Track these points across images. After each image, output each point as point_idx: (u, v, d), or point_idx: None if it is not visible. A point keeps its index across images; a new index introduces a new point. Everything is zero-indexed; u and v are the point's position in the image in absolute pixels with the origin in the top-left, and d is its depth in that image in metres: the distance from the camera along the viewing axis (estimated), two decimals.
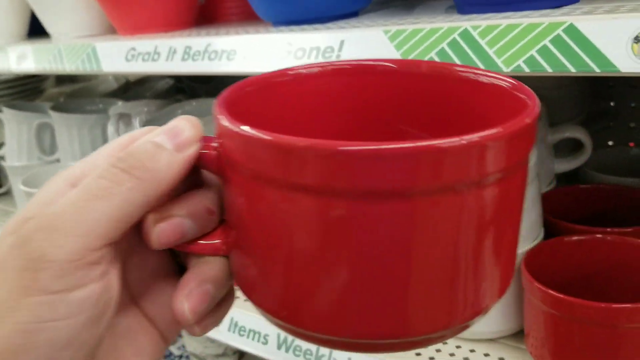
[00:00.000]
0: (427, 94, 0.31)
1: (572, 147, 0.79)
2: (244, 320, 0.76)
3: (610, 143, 0.97)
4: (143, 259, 0.29)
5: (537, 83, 0.83)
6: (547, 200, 0.69)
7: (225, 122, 0.25)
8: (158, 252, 0.29)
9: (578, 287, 0.61)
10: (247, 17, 0.85)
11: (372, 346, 0.25)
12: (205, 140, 0.27)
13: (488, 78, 0.29)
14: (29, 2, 0.89)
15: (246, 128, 0.24)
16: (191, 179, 0.28)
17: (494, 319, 0.63)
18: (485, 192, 0.23)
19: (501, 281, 0.26)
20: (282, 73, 0.31)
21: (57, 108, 1.10)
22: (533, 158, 0.60)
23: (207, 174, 0.29)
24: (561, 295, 0.52)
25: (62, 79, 1.58)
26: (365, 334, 0.24)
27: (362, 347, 0.26)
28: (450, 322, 0.25)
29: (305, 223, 0.23)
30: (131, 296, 0.29)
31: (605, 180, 0.78)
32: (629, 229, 0.62)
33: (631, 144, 0.95)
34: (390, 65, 0.31)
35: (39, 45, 0.85)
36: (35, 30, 0.97)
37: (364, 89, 0.32)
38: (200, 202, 0.27)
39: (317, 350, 0.69)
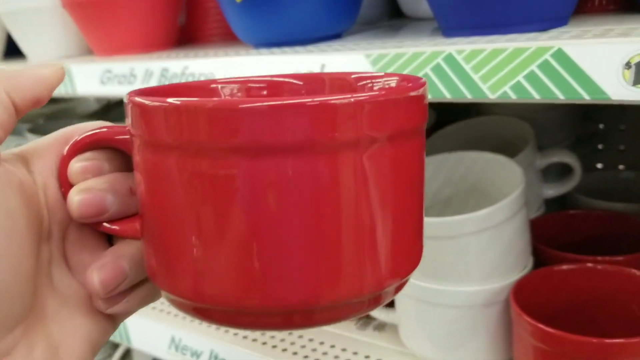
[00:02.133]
0: None
1: (561, 171, 0.78)
2: (225, 353, 0.74)
3: (599, 166, 0.96)
4: (80, 237, 0.30)
5: (526, 106, 0.82)
6: (535, 226, 0.67)
7: (131, 98, 0.26)
8: (94, 233, 0.30)
9: (568, 316, 0.60)
10: (229, 38, 0.83)
11: (282, 319, 0.25)
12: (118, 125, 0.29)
13: (379, 82, 0.32)
14: (4, 23, 0.87)
15: (143, 97, 0.25)
16: (118, 163, 0.30)
17: (482, 351, 0.61)
18: (370, 154, 0.24)
19: (406, 256, 0.27)
20: (203, 84, 0.33)
21: (35, 130, 1.07)
22: (522, 184, 0.58)
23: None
24: (551, 330, 0.50)
25: None
26: (273, 303, 0.24)
27: (271, 322, 0.25)
28: (356, 289, 0.25)
29: (201, 186, 0.24)
30: (72, 271, 0.30)
31: (594, 205, 0.77)
32: (620, 258, 0.60)
33: (620, 167, 0.94)
34: (297, 82, 0.34)
35: (14, 66, 0.83)
36: (11, 51, 0.95)
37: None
38: (124, 181, 0.29)
39: None
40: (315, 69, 0.53)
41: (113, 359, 1.10)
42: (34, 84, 0.28)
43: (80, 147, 0.29)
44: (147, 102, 0.25)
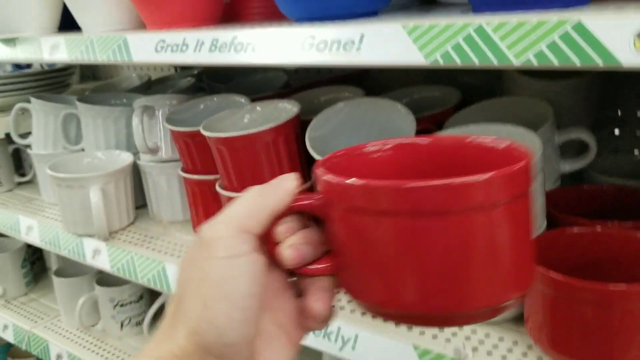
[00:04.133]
0: (452, 158, 0.44)
1: (577, 150, 0.82)
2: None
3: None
4: (272, 280, 0.41)
5: (548, 87, 0.87)
6: (550, 197, 0.72)
7: (328, 177, 0.38)
8: (281, 276, 0.42)
9: (576, 277, 0.64)
10: (271, 17, 0.88)
11: (437, 319, 0.37)
12: (310, 195, 0.40)
13: (491, 143, 0.42)
14: None
15: (343, 178, 0.37)
16: (302, 222, 0.41)
17: None
18: (494, 213, 0.35)
19: (523, 276, 0.37)
20: (356, 148, 0.45)
21: (84, 100, 1.14)
22: (539, 151, 0.63)
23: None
24: (559, 276, 0.55)
25: (86, 76, 1.62)
26: (432, 308, 0.36)
27: (428, 320, 0.38)
28: (483, 302, 0.36)
29: (390, 236, 0.36)
30: (264, 308, 0.41)
31: (609, 182, 0.81)
32: (629, 223, 0.65)
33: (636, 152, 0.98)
34: (423, 142, 0.45)
35: (71, 36, 0.89)
36: (66, 24, 1.01)
37: (410, 157, 0.45)
38: (312, 236, 0.40)
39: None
40: (355, 38, 0.58)
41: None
42: (268, 217, 0.39)
43: (281, 216, 0.40)
44: (338, 181, 0.37)
